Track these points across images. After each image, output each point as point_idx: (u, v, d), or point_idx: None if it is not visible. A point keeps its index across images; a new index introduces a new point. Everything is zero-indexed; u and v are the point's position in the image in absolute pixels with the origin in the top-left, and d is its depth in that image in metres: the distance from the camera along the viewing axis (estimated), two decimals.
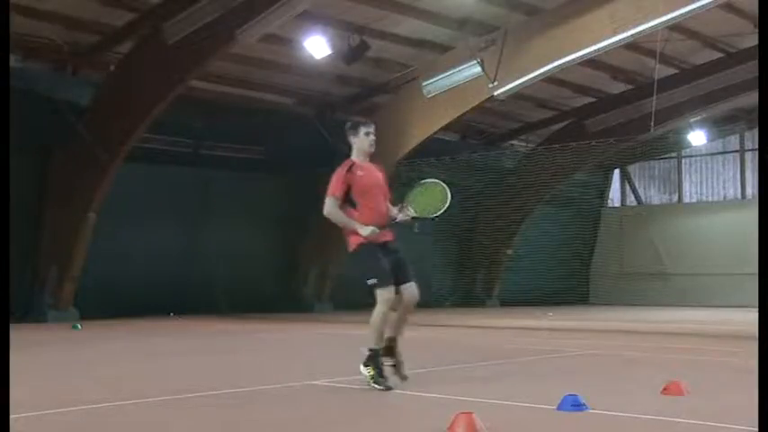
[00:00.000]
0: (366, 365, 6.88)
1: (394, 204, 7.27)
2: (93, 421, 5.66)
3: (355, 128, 7.23)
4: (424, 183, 7.36)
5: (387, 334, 7.01)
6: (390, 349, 7.02)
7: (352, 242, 7.03)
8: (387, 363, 6.96)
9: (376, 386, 6.77)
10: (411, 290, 7.03)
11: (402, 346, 7.15)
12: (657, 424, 5.45)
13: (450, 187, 7.29)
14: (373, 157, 7.37)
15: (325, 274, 22.67)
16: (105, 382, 7.73)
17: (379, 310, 6.86)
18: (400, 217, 7.10)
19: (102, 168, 17.36)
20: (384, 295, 6.84)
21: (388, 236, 7.13)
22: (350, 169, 7.04)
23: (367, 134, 7.18)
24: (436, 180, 7.36)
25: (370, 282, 6.85)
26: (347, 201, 7.03)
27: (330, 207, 6.98)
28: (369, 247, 6.94)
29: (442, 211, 7.14)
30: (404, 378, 7.02)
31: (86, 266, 17.95)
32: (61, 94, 17.99)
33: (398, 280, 6.97)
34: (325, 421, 5.67)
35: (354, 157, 7.19)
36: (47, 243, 18.08)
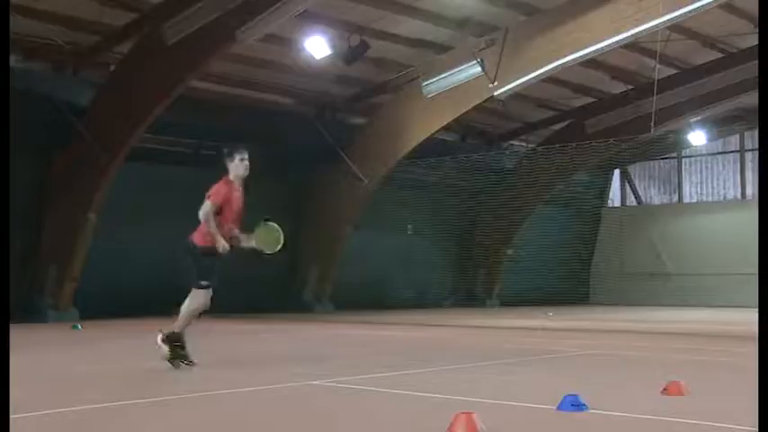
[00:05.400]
0: (165, 343, 8.09)
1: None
2: (93, 421, 5.65)
3: (231, 155, 8.18)
4: (268, 224, 8.42)
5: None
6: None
7: (206, 242, 8.04)
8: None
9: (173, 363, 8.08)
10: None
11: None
12: (657, 424, 5.45)
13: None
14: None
15: (325, 274, 22.67)
16: (105, 382, 7.73)
17: (196, 306, 8.13)
18: (243, 243, 8.25)
19: (102, 168, 17.36)
20: (205, 297, 8.12)
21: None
22: (230, 187, 8.13)
23: (242, 160, 8.16)
24: (276, 227, 8.42)
25: (204, 282, 8.07)
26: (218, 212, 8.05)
27: (208, 211, 7.97)
28: (213, 254, 8.00)
29: (273, 252, 8.33)
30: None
31: (86, 266, 17.93)
32: (61, 94, 17.98)
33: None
34: (325, 421, 5.67)
35: (232, 176, 8.19)
36: (47, 243, 18.07)
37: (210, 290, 8.10)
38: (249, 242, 8.21)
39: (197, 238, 8.13)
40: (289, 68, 19.90)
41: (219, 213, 8.00)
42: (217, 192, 7.97)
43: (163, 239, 20.39)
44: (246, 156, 8.12)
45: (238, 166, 8.07)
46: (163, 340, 8.07)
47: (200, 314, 8.34)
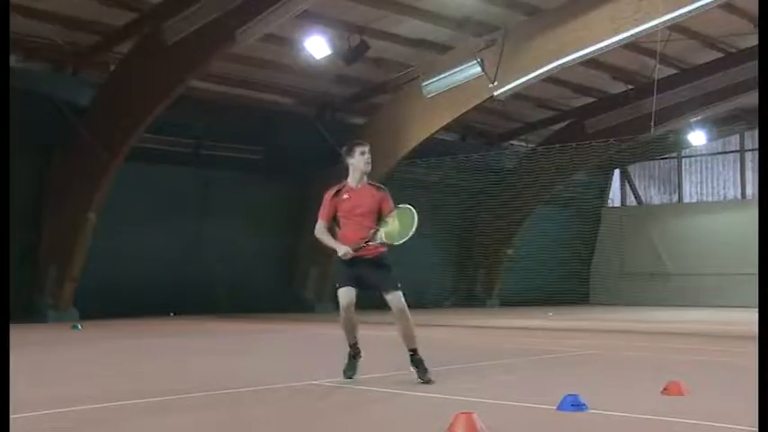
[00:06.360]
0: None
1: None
2: (94, 421, 5.65)
3: (351, 149, 7.55)
4: (399, 208, 7.54)
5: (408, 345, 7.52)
6: (415, 359, 7.48)
7: (333, 254, 7.49)
8: (411, 370, 7.43)
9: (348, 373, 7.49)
10: (393, 300, 7.44)
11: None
12: (657, 424, 5.45)
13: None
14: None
15: (325, 274, 22.64)
16: (105, 382, 7.73)
17: (342, 314, 7.36)
18: (375, 241, 7.41)
19: (102, 168, 17.36)
20: (341, 298, 7.30)
21: (367, 252, 7.40)
22: (336, 194, 7.51)
23: (362, 153, 7.51)
24: (405, 208, 7.51)
25: (336, 285, 7.41)
26: (335, 220, 7.54)
27: (318, 230, 7.50)
28: (339, 260, 7.39)
29: (406, 239, 7.40)
30: (428, 381, 7.33)
31: (86, 266, 17.94)
32: (61, 94, 18.00)
33: (361, 285, 7.38)
34: (326, 421, 5.67)
35: (350, 177, 7.54)
36: (46, 243, 18.08)
37: (345, 288, 7.30)
38: (378, 238, 7.40)
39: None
40: (289, 68, 19.90)
41: (338, 225, 7.53)
42: (322, 207, 7.51)
43: (163, 239, 20.49)
44: (368, 149, 7.50)
45: (359, 161, 7.43)
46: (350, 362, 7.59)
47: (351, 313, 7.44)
